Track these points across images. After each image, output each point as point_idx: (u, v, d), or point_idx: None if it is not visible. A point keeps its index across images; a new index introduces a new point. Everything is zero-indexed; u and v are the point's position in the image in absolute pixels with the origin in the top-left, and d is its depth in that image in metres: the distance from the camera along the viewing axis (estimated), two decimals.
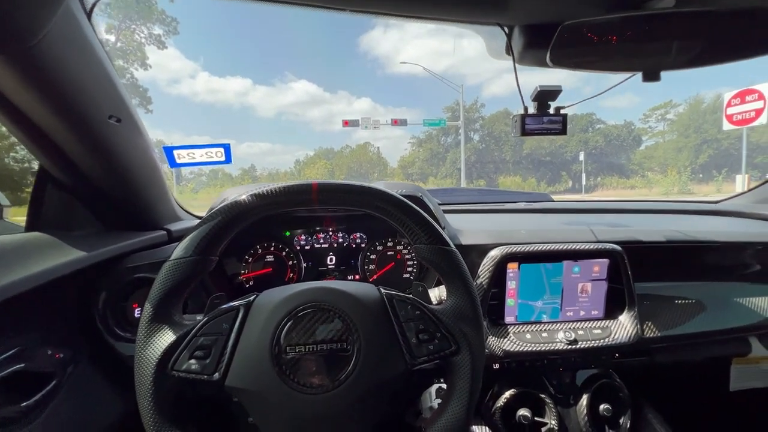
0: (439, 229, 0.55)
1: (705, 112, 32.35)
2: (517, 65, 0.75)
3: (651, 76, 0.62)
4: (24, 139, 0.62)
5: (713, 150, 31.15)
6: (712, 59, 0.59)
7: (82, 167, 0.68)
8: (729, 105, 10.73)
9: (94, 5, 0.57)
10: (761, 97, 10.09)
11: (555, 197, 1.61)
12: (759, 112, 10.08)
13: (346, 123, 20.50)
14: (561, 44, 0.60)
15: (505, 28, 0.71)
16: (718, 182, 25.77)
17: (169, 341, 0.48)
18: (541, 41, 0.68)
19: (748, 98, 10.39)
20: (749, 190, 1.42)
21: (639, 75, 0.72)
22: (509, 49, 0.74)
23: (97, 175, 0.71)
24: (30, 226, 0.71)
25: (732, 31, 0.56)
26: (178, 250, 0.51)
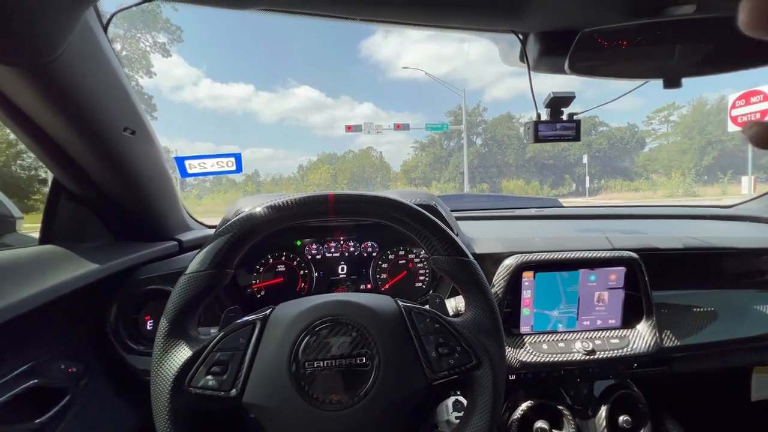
0: (457, 240, 0.54)
1: (709, 113, 32.20)
2: (531, 72, 0.74)
3: (672, 83, 0.61)
4: (39, 152, 0.62)
5: (718, 151, 30.96)
6: (734, 65, 0.58)
7: (96, 179, 0.68)
8: (734, 106, 10.65)
9: (110, 18, 0.57)
10: (766, 98, 10.02)
11: (560, 201, 1.59)
12: (765, 113, 9.99)
13: (349, 128, 20.59)
14: (580, 51, 0.59)
15: (520, 36, 0.70)
16: (724, 184, 25.55)
17: (186, 357, 0.47)
18: (556, 48, 0.67)
19: (753, 99, 10.31)
20: (763, 195, 1.40)
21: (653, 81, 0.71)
22: (524, 56, 0.73)
23: (110, 187, 0.71)
24: (44, 239, 0.70)
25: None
26: (194, 263, 0.50)
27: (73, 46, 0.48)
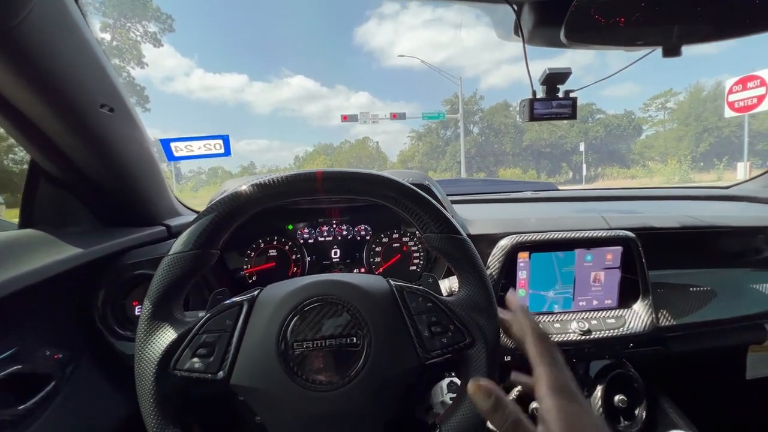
0: (450, 218, 0.53)
1: (705, 100, 32.17)
2: (526, 45, 0.71)
3: (671, 51, 0.59)
4: (12, 131, 0.59)
5: (714, 138, 31.05)
6: (740, 30, 0.55)
7: (75, 160, 0.65)
8: (731, 92, 10.65)
9: None
10: (763, 83, 10.00)
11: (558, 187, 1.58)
12: (761, 99, 10.00)
13: (345, 118, 20.43)
14: (576, 21, 0.57)
15: (515, 6, 0.68)
16: (719, 170, 25.66)
17: (170, 339, 0.46)
18: (552, 19, 0.64)
19: (749, 84, 10.31)
20: (760, 175, 1.39)
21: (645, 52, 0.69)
22: (518, 29, 0.71)
23: (91, 169, 0.68)
24: (23, 223, 0.68)
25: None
26: (177, 244, 0.49)
27: (37, 11, 0.45)
